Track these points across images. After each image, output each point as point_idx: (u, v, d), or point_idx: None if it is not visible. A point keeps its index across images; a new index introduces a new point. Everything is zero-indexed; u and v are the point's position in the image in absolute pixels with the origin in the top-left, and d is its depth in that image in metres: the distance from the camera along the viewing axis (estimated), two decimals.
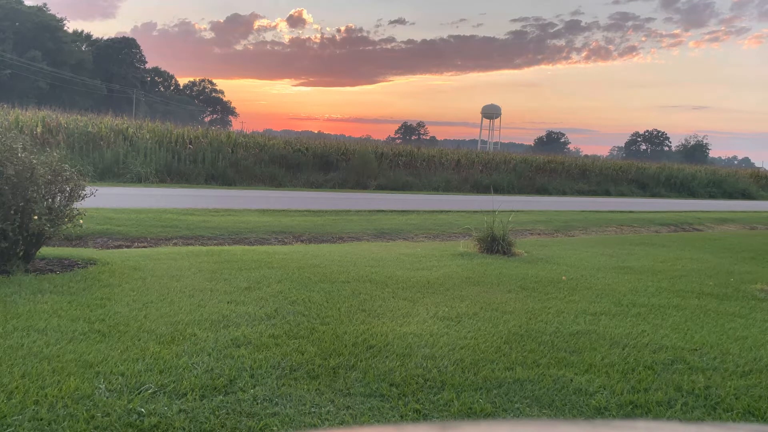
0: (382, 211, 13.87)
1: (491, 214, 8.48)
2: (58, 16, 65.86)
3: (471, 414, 3.00)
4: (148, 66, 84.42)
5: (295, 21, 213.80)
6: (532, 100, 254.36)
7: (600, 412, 3.08)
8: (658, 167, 32.92)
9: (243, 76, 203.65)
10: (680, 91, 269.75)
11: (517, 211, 12.76)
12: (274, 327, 4.16)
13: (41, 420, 2.67)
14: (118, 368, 3.27)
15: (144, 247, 8.23)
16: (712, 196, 30.46)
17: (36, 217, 5.47)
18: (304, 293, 5.19)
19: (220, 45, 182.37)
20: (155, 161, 19.46)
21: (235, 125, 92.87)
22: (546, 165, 28.79)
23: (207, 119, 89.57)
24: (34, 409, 2.75)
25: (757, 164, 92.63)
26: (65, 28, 66.55)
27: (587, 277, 6.68)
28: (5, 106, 21.88)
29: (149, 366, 3.32)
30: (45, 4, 64.49)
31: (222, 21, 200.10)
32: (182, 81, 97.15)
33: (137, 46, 79.26)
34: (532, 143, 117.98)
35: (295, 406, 2.95)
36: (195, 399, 2.96)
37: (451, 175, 25.48)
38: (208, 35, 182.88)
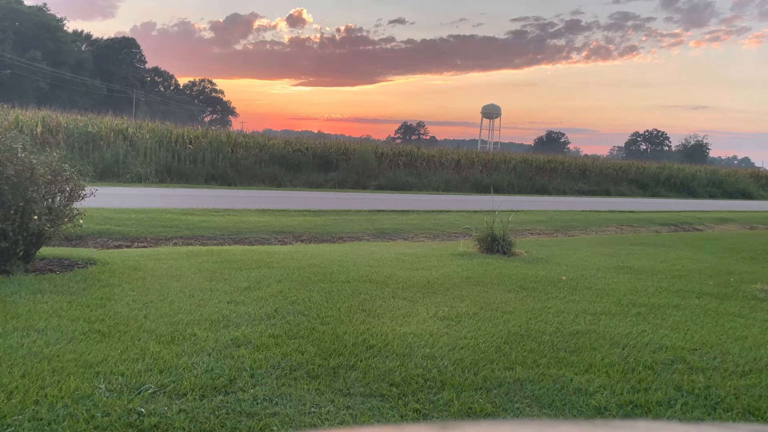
0: (382, 211, 13.87)
1: (491, 214, 8.48)
2: (58, 16, 65.93)
3: (471, 414, 3.00)
4: (148, 66, 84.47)
5: (294, 21, 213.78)
6: (532, 100, 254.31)
7: (600, 412, 3.08)
8: (658, 167, 32.92)
9: (243, 76, 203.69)
10: (680, 91, 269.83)
11: (517, 211, 12.75)
12: (274, 327, 4.16)
13: (41, 420, 2.67)
14: (118, 368, 3.27)
15: (144, 247, 8.23)
16: (712, 196, 30.47)
17: (36, 217, 5.47)
18: (304, 293, 5.19)
19: (219, 45, 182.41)
20: (155, 161, 19.46)
21: (235, 125, 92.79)
22: (546, 165, 28.79)
23: (207, 119, 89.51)
24: (34, 409, 2.75)
25: (757, 164, 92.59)
26: (65, 28, 66.55)
27: (587, 277, 6.68)
28: (5, 106, 21.87)
29: (149, 366, 3.32)
30: (45, 4, 64.54)
31: (221, 21, 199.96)
32: (182, 81, 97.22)
33: (137, 46, 79.26)
34: (532, 143, 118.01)
35: (295, 406, 2.95)
36: (195, 399, 2.96)
37: (451, 175, 25.48)
38: (208, 35, 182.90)
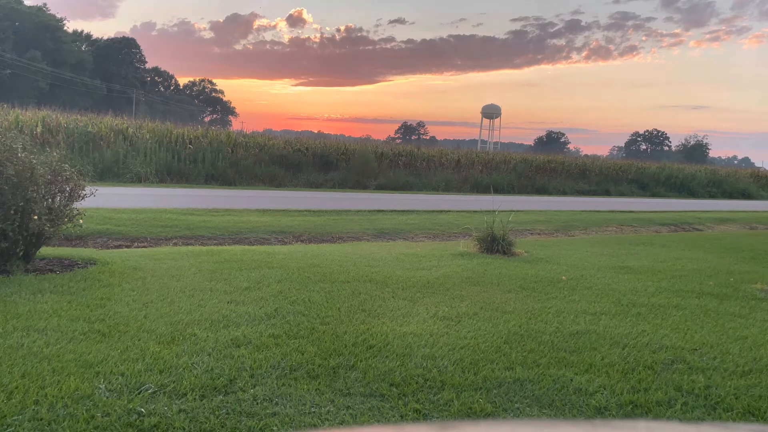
0: (382, 211, 13.87)
1: (491, 214, 8.48)
2: (58, 16, 65.89)
3: (471, 414, 3.00)
4: (148, 66, 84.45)
5: (294, 21, 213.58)
6: (532, 100, 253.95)
7: (600, 412, 3.08)
8: (658, 167, 32.92)
9: (243, 76, 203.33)
10: (680, 91, 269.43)
11: (517, 211, 12.76)
12: (274, 327, 4.16)
13: (41, 420, 2.67)
14: (118, 368, 3.27)
15: (144, 247, 8.23)
16: (712, 196, 30.45)
17: (36, 217, 5.47)
18: (304, 293, 5.19)
19: (219, 45, 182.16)
20: (155, 161, 19.47)
21: (235, 125, 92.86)
22: (546, 165, 28.79)
23: (207, 119, 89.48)
24: (34, 409, 2.75)
25: (757, 164, 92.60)
26: (65, 28, 66.52)
27: (587, 276, 6.68)
28: (5, 106, 21.88)
29: (149, 366, 3.32)
30: (45, 4, 64.49)
31: (221, 21, 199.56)
32: (182, 81, 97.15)
33: (137, 46, 79.26)
34: (532, 143, 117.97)
35: (295, 406, 2.95)
36: (195, 399, 2.96)
37: (451, 175, 25.48)
38: (208, 35, 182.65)
